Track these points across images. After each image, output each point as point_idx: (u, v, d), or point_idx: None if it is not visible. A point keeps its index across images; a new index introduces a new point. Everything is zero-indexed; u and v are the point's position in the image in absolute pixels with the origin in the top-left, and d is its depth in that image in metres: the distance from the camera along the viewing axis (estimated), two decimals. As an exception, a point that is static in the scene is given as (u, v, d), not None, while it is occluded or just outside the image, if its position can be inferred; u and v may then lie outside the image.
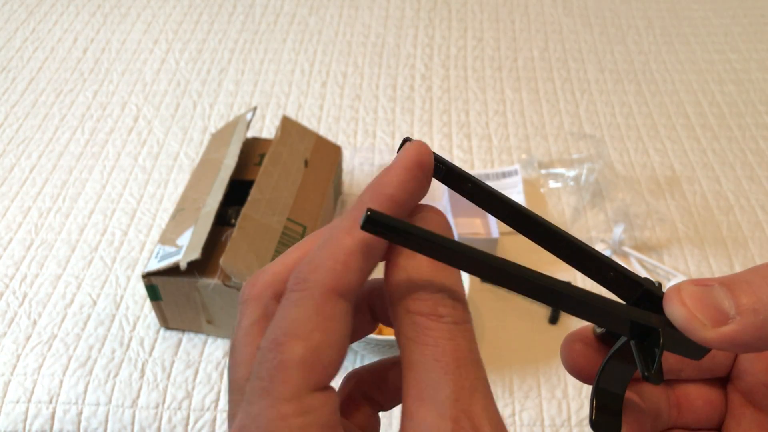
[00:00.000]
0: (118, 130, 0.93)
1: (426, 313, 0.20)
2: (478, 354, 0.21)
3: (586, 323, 0.23)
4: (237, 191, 0.66)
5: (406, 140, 0.22)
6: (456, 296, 0.21)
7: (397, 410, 0.23)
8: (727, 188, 0.84)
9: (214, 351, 0.66)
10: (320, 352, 0.20)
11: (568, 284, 0.21)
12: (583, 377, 0.25)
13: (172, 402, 0.62)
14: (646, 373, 0.22)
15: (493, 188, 0.24)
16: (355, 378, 0.26)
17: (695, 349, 0.22)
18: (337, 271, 0.21)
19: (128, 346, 0.66)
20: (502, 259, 0.21)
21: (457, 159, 0.88)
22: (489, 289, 0.71)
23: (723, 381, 0.27)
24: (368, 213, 0.19)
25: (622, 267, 0.23)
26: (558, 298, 0.21)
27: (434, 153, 0.23)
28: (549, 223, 0.23)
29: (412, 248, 0.21)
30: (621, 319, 0.22)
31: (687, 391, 0.26)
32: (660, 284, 0.23)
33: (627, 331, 0.22)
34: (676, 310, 0.21)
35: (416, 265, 0.21)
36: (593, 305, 0.21)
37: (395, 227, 0.20)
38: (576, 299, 0.21)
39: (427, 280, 0.21)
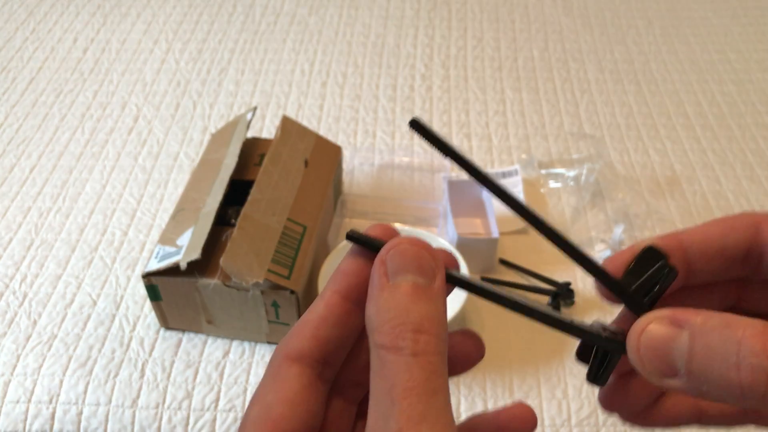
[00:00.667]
0: (118, 130, 0.93)
1: (387, 346, 0.21)
2: (438, 383, 0.21)
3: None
4: (237, 191, 0.66)
5: (413, 122, 0.24)
6: (422, 328, 0.21)
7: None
8: (727, 188, 0.84)
9: (214, 351, 0.66)
10: (270, 410, 0.23)
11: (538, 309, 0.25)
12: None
13: (172, 402, 0.62)
14: (589, 378, 0.25)
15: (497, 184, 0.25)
16: None
17: None
18: (290, 341, 0.24)
19: (128, 346, 0.66)
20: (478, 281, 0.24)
21: (457, 159, 0.88)
22: (489, 289, 0.71)
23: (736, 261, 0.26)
24: (348, 233, 0.23)
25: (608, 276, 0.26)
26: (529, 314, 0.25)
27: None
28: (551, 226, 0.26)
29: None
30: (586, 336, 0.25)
31: (698, 256, 0.26)
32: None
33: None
34: (631, 354, 0.22)
35: (386, 298, 0.22)
36: (562, 325, 0.25)
37: (369, 242, 0.23)
38: (543, 317, 0.25)
39: (395, 312, 0.21)
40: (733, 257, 0.24)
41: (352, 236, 0.24)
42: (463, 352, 0.26)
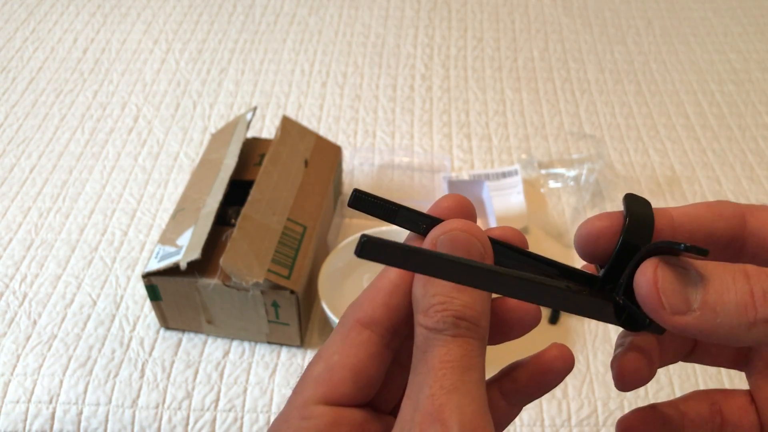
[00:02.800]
0: (118, 130, 0.93)
1: (429, 326, 0.23)
2: (474, 362, 0.22)
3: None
4: (237, 191, 0.66)
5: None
6: (464, 315, 0.23)
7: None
8: (727, 188, 0.84)
9: (214, 351, 0.66)
10: (333, 371, 0.24)
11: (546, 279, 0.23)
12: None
13: (172, 402, 0.62)
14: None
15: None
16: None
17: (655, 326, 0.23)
18: (363, 306, 0.25)
19: (128, 346, 0.66)
20: (490, 266, 0.23)
21: (457, 159, 0.88)
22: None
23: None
24: (362, 239, 0.21)
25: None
26: (536, 293, 0.23)
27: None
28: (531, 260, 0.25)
29: (406, 269, 0.23)
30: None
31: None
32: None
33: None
34: (644, 288, 0.22)
35: (433, 283, 0.23)
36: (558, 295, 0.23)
37: (388, 251, 0.21)
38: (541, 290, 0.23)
39: (440, 299, 0.23)
40: (718, 243, 0.25)
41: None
42: (517, 318, 0.26)
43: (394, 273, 0.25)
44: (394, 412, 0.27)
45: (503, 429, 0.28)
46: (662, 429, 0.27)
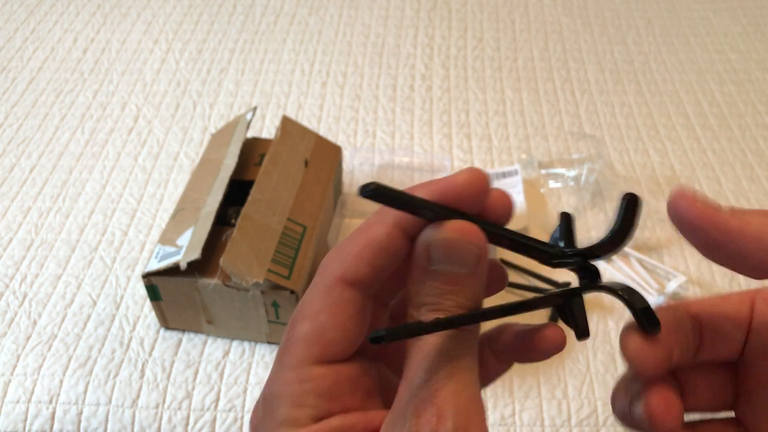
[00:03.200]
0: (118, 130, 0.93)
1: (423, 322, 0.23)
2: (467, 350, 0.23)
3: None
4: (237, 191, 0.66)
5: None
6: (459, 304, 0.23)
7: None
8: (727, 188, 0.84)
9: (214, 351, 0.66)
10: (323, 332, 0.23)
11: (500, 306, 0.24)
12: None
13: (172, 402, 0.62)
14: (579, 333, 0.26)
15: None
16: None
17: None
18: (347, 262, 0.24)
19: (128, 346, 0.66)
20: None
21: (457, 159, 0.88)
22: (489, 289, 0.71)
23: (733, 365, 0.26)
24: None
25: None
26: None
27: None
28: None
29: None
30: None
31: (691, 376, 0.27)
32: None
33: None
34: (680, 203, 0.24)
35: (427, 283, 0.23)
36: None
37: (392, 195, 0.22)
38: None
39: (432, 298, 0.23)
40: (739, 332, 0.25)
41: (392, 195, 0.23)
42: (544, 347, 0.27)
43: (382, 232, 0.24)
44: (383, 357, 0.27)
45: (493, 381, 0.29)
46: None
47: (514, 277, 0.73)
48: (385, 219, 0.24)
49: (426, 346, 0.22)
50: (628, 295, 0.24)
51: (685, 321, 0.25)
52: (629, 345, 0.24)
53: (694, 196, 0.23)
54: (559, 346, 0.27)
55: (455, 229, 0.23)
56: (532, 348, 0.27)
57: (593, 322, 0.68)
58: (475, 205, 0.24)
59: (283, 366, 0.24)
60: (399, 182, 0.84)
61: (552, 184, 0.84)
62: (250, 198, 0.64)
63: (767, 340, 0.25)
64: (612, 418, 0.60)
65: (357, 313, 0.24)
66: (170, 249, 0.62)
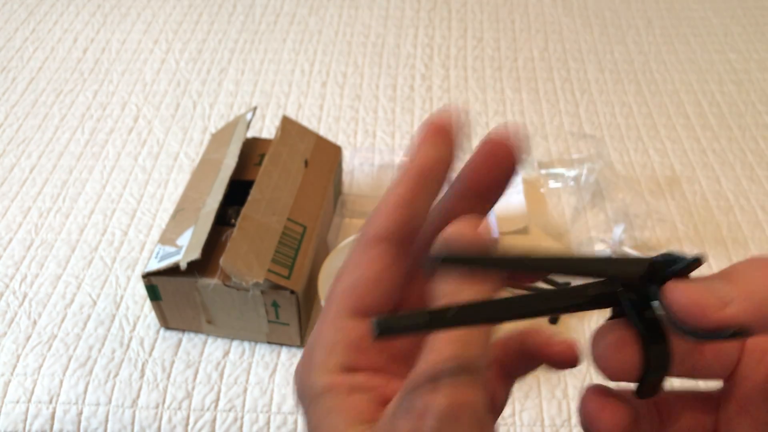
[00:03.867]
0: (118, 130, 0.93)
1: None
2: (479, 357, 0.22)
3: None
4: (237, 191, 0.66)
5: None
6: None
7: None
8: (727, 188, 0.84)
9: (214, 351, 0.66)
10: (358, 285, 0.25)
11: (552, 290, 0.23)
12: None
13: (172, 402, 0.62)
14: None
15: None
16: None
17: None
18: (375, 221, 0.26)
19: (128, 346, 0.66)
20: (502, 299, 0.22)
21: (457, 159, 0.88)
22: (489, 289, 0.71)
23: (713, 400, 0.26)
24: (374, 322, 0.21)
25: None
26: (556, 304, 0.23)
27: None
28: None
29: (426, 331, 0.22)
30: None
31: (672, 402, 0.26)
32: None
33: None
34: (678, 299, 0.21)
35: (438, 284, 0.24)
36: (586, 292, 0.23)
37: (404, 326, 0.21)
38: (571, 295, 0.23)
39: (448, 299, 0.23)
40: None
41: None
42: (559, 362, 0.27)
43: (402, 188, 0.26)
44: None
45: (500, 413, 0.28)
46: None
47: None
48: (407, 176, 0.27)
49: (438, 343, 0.22)
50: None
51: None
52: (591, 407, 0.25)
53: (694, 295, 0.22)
54: (572, 363, 0.27)
55: (461, 231, 0.24)
56: (537, 363, 0.27)
57: (593, 322, 0.68)
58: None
59: (323, 318, 0.26)
60: (399, 182, 0.84)
61: (552, 184, 0.84)
62: (250, 198, 0.64)
63: (756, 362, 0.24)
64: (612, 418, 0.60)
65: (389, 267, 0.26)
66: (170, 249, 0.62)
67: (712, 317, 0.21)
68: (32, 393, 0.62)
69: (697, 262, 0.21)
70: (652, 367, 0.23)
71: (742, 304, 0.21)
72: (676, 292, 0.21)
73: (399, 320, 0.21)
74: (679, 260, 0.22)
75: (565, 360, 0.27)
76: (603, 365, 0.24)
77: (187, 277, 0.61)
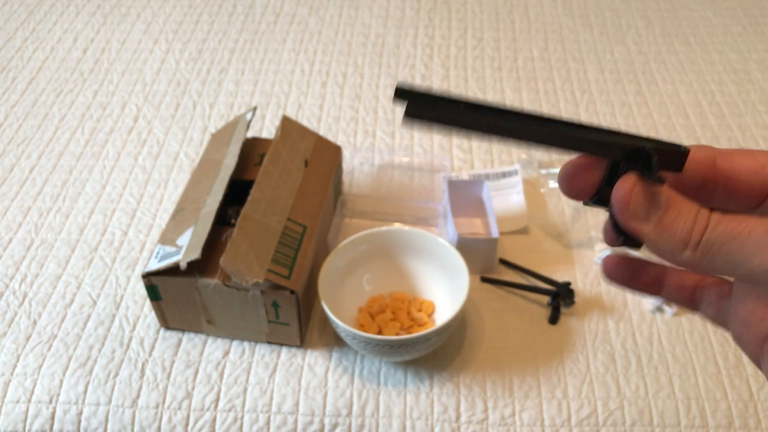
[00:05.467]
0: (118, 130, 0.93)
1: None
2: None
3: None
4: (237, 191, 0.66)
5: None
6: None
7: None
8: (727, 188, 0.84)
9: (214, 351, 0.66)
10: None
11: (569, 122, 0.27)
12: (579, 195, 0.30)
13: (172, 402, 0.62)
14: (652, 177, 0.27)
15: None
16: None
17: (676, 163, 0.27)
18: None
19: (128, 346, 0.66)
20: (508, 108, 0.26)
21: (457, 159, 0.88)
22: (489, 289, 0.71)
23: None
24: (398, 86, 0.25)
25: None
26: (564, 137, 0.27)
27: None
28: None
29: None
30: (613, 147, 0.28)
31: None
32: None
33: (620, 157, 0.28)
34: (620, 192, 0.26)
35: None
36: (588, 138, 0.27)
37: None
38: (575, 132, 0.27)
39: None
40: (690, 186, 0.28)
41: None
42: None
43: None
44: None
45: None
46: (643, 282, 0.32)
47: (514, 277, 0.73)
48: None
49: None
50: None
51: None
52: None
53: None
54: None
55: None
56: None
57: (593, 322, 0.68)
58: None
59: None
60: (399, 182, 0.84)
61: (552, 184, 0.84)
62: (250, 198, 0.64)
63: None
64: (612, 419, 0.60)
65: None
66: (170, 249, 0.62)
67: (629, 222, 0.26)
68: (32, 393, 0.62)
69: (683, 152, 0.27)
70: (601, 197, 0.28)
71: (657, 229, 0.26)
72: (619, 186, 0.27)
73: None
74: (662, 154, 0.27)
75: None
76: (564, 172, 0.29)
77: (187, 277, 0.61)
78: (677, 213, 0.26)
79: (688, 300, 0.32)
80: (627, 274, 0.32)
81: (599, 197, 0.28)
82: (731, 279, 0.30)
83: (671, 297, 0.32)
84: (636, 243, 0.27)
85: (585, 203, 0.29)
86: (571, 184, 0.29)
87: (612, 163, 0.28)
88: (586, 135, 0.27)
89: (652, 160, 0.26)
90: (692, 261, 0.26)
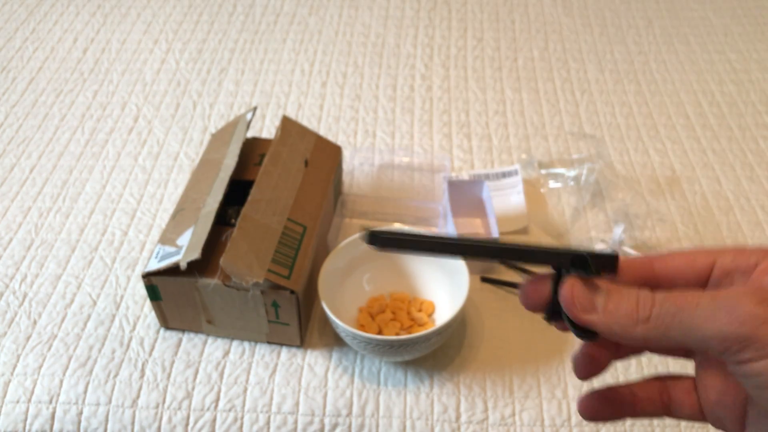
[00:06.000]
0: (118, 130, 0.93)
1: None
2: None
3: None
4: (237, 191, 0.66)
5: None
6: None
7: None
8: (727, 188, 0.84)
9: (214, 351, 0.66)
10: None
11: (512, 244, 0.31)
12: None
13: (172, 402, 0.62)
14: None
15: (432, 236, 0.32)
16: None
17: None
18: None
19: (128, 346, 0.66)
20: (464, 238, 0.31)
21: (457, 159, 0.88)
22: (489, 289, 0.71)
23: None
24: (369, 232, 0.31)
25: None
26: (508, 254, 0.31)
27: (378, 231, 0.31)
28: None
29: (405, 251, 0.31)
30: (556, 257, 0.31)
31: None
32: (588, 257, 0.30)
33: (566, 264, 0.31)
34: (564, 292, 0.30)
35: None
36: (534, 253, 0.31)
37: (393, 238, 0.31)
38: (522, 251, 0.31)
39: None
40: (694, 285, 0.31)
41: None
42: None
43: None
44: None
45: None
46: (617, 408, 0.34)
47: (514, 277, 0.73)
48: None
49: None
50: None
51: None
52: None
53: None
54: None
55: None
56: None
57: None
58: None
59: None
60: (399, 182, 0.84)
61: (552, 184, 0.84)
62: (250, 198, 0.64)
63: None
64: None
65: None
66: (170, 249, 0.62)
67: (579, 315, 0.30)
68: (32, 393, 0.62)
69: (613, 256, 0.31)
70: (554, 306, 0.32)
71: (605, 316, 0.29)
72: (564, 286, 0.30)
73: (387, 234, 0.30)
74: (596, 257, 0.31)
75: None
76: (521, 290, 0.33)
77: (187, 277, 0.61)
78: (619, 297, 0.29)
79: (663, 407, 0.34)
80: (606, 408, 0.34)
81: (554, 310, 0.32)
82: (692, 375, 0.33)
83: (644, 413, 0.34)
84: (593, 334, 0.31)
85: (544, 318, 0.32)
86: (527, 299, 0.32)
87: (557, 275, 0.31)
88: (532, 250, 0.31)
89: (589, 261, 0.30)
90: (648, 333, 0.28)
